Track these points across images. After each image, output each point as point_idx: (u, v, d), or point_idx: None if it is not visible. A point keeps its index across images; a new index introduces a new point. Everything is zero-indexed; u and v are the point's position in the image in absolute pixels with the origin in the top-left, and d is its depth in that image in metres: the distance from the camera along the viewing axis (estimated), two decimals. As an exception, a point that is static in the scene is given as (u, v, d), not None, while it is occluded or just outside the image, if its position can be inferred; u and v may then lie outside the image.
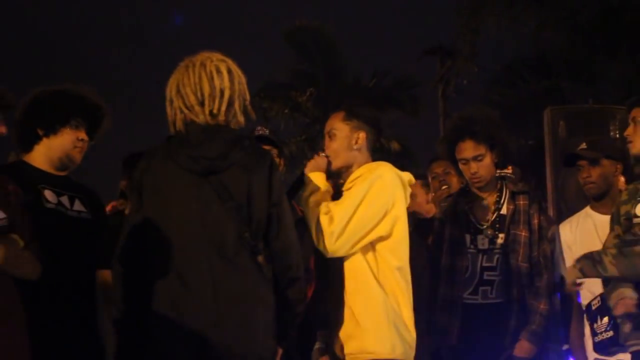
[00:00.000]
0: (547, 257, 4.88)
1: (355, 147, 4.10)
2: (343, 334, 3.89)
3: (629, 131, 4.35)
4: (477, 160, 4.90)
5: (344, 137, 4.10)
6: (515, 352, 4.78)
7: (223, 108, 3.66)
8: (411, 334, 3.96)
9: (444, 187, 5.52)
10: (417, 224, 5.74)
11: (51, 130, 4.04)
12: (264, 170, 3.59)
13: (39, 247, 3.72)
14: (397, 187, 4.00)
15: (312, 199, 3.93)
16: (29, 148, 4.09)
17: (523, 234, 4.87)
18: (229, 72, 3.71)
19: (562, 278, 4.87)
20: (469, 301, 4.85)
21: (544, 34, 16.75)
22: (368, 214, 3.87)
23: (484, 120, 4.99)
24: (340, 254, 3.87)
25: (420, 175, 5.77)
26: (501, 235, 4.89)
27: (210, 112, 3.65)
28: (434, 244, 5.04)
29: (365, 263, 3.89)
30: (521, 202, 4.93)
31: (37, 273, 3.70)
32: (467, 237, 4.92)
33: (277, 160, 4.83)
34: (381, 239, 3.94)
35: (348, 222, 3.82)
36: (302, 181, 4.04)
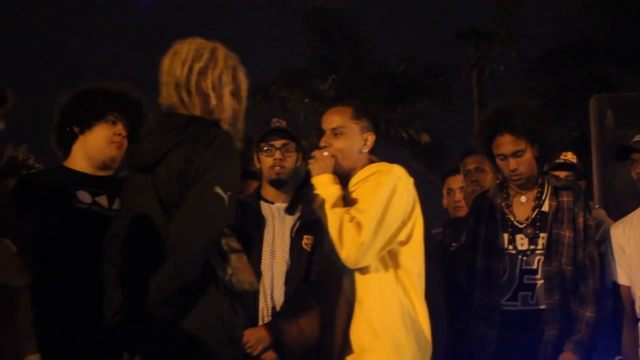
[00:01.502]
0: (594, 260, 4.85)
1: (364, 149, 4.07)
2: (357, 347, 3.84)
3: None
4: (516, 156, 4.88)
5: (353, 137, 4.06)
6: (559, 363, 4.77)
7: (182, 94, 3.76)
8: (428, 341, 3.94)
9: (474, 187, 5.49)
10: (447, 223, 5.73)
11: (86, 126, 4.16)
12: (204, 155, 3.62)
13: (31, 257, 3.78)
14: (413, 187, 3.99)
15: (330, 203, 3.89)
16: (68, 150, 4.22)
17: (567, 233, 4.84)
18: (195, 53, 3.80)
19: (614, 283, 4.85)
20: (507, 308, 4.83)
21: (588, 16, 16.69)
22: (394, 220, 3.85)
23: (524, 112, 4.96)
24: (364, 264, 3.85)
25: (455, 170, 5.76)
26: (542, 235, 4.86)
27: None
28: (468, 245, 5.02)
29: (383, 270, 3.87)
30: (565, 199, 4.90)
31: (25, 282, 3.74)
32: (505, 237, 4.90)
33: (294, 154, 4.84)
34: (401, 243, 3.92)
35: (377, 231, 3.80)
36: (307, 183, 4.00)
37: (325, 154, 4.01)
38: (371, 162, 4.08)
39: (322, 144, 4.04)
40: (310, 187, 4.01)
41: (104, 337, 3.70)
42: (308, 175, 4.02)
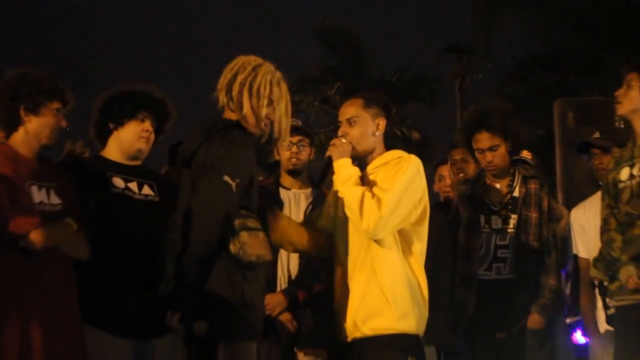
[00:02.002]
0: (556, 237, 4.87)
1: (377, 133, 3.95)
2: (369, 310, 3.77)
3: (620, 92, 4.22)
4: (492, 150, 4.89)
5: (366, 124, 3.94)
6: (527, 324, 4.78)
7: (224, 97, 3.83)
8: (427, 310, 3.88)
9: (460, 175, 5.49)
10: (437, 204, 5.73)
11: (119, 123, 4.13)
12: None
13: (90, 231, 3.79)
14: (424, 175, 3.91)
15: (352, 182, 3.81)
16: (104, 143, 4.20)
17: (534, 215, 4.85)
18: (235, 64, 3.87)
19: (575, 257, 4.86)
20: (483, 277, 4.84)
21: (553, 32, 16.63)
22: (410, 202, 3.77)
23: (499, 113, 4.96)
24: (381, 236, 3.76)
25: (445, 160, 5.78)
26: (513, 216, 4.88)
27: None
28: (452, 225, 5.02)
29: (395, 245, 3.79)
30: (532, 186, 4.91)
31: (87, 255, 3.76)
32: (482, 218, 4.91)
33: (308, 148, 4.86)
34: (411, 224, 3.83)
35: (395, 208, 3.71)
36: (329, 166, 3.94)
37: (344, 140, 3.92)
38: (388, 148, 3.99)
39: (339, 133, 3.96)
40: (332, 170, 3.93)
41: (156, 300, 3.73)
42: (329, 161, 3.93)
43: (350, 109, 3.98)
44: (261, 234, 3.72)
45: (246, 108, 3.82)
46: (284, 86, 3.91)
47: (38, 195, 3.74)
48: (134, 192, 4.08)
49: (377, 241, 3.78)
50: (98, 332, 3.82)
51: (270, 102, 3.85)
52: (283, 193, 4.84)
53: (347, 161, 3.87)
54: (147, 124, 4.15)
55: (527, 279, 4.79)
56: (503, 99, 14.40)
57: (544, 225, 4.85)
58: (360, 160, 3.94)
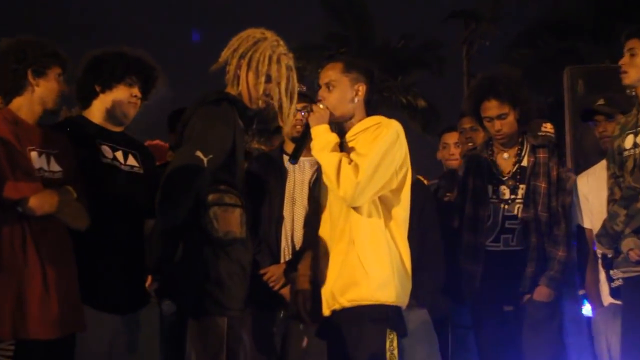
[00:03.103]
0: (566, 207, 4.85)
1: (355, 99, 3.87)
2: (347, 280, 3.72)
3: (625, 61, 4.19)
4: (501, 119, 4.85)
5: (344, 88, 3.86)
6: (534, 296, 4.76)
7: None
8: (409, 279, 3.82)
9: (469, 144, 5.46)
10: (442, 175, 5.71)
11: (107, 86, 4.08)
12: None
13: (89, 201, 3.77)
14: (406, 143, 3.84)
15: (329, 148, 3.76)
16: (87, 104, 4.13)
17: (543, 185, 4.83)
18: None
19: (578, 227, 4.83)
20: (491, 248, 4.82)
21: (563, -2, 16.54)
22: (390, 168, 3.72)
23: (507, 81, 4.92)
24: (359, 203, 3.71)
25: (450, 128, 5.75)
26: (522, 186, 4.85)
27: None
28: (458, 194, 5.01)
29: (375, 213, 3.74)
30: (541, 155, 4.88)
31: (86, 225, 3.75)
32: (490, 188, 4.88)
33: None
34: (392, 192, 3.78)
35: (373, 174, 3.67)
36: (307, 133, 3.88)
37: (321, 106, 3.85)
38: (369, 115, 3.90)
39: (317, 98, 3.90)
40: (309, 137, 3.88)
41: (139, 272, 3.83)
42: (307, 127, 3.88)
43: (329, 73, 3.91)
44: (237, 211, 3.70)
45: (242, 83, 3.82)
46: (285, 64, 3.87)
47: (38, 161, 3.72)
48: (121, 163, 4.05)
49: (356, 209, 3.73)
50: (85, 308, 3.80)
51: (269, 79, 3.82)
52: (287, 161, 4.81)
53: (325, 127, 3.82)
54: (136, 90, 4.12)
55: (535, 250, 4.78)
56: (511, 66, 14.35)
57: (553, 195, 4.82)
58: (340, 127, 3.89)
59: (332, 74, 3.90)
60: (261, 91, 3.82)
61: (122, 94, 4.08)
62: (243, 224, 3.72)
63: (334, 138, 3.79)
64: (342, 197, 3.71)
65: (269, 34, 3.89)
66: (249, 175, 4.27)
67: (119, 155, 4.05)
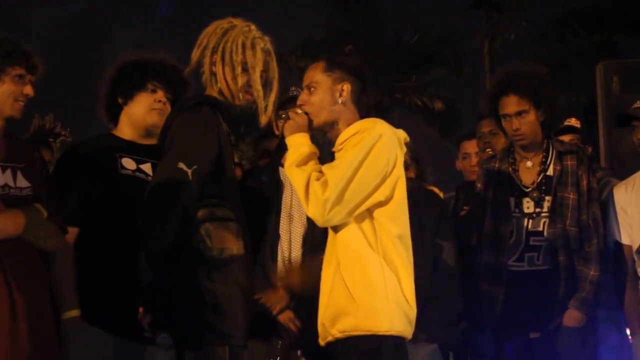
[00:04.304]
0: (598, 221, 4.83)
1: (339, 100, 3.82)
2: (336, 310, 3.68)
3: None
4: (519, 116, 4.85)
5: (326, 89, 3.82)
6: (564, 321, 4.76)
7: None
8: (412, 309, 3.74)
9: (487, 150, 5.46)
10: (460, 186, 5.71)
11: (128, 96, 4.22)
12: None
13: (63, 220, 3.79)
14: (396, 146, 3.76)
15: (299, 164, 3.72)
16: (116, 120, 4.28)
17: (571, 196, 4.82)
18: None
19: (616, 243, 4.83)
20: (514, 268, 4.82)
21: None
22: (368, 178, 3.64)
23: (529, 75, 4.94)
24: (334, 223, 3.67)
25: (471, 134, 5.73)
26: (548, 198, 4.84)
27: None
28: (477, 209, 5.00)
29: (360, 232, 3.68)
30: (569, 163, 4.88)
31: (60, 246, 3.76)
32: (512, 201, 4.88)
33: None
34: (380, 204, 3.70)
35: (345, 188, 3.59)
36: (283, 146, 3.85)
37: (299, 111, 3.83)
38: (362, 117, 3.86)
39: (298, 102, 3.88)
40: (283, 151, 3.86)
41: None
42: (282, 140, 3.85)
43: (309, 74, 3.89)
44: (231, 225, 3.70)
45: (220, 80, 3.85)
46: (261, 48, 3.89)
47: (2, 177, 3.73)
48: (147, 175, 4.12)
49: (337, 228, 3.71)
50: (104, 334, 3.91)
51: (246, 68, 3.85)
52: (283, 172, 4.81)
53: (299, 138, 3.79)
54: (160, 95, 4.21)
55: (564, 270, 4.77)
56: (538, 62, 14.36)
57: (583, 207, 4.82)
58: (327, 134, 3.88)
59: (312, 74, 3.87)
60: (240, 83, 3.84)
61: (145, 102, 4.21)
62: (239, 238, 3.72)
63: (306, 149, 3.76)
64: (312, 218, 3.68)
65: (237, 21, 3.92)
66: (240, 188, 4.28)
67: (146, 167, 4.16)
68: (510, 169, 4.94)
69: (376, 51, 21.96)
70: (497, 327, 4.87)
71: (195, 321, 3.64)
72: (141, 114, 4.22)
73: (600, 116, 7.49)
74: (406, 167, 4.13)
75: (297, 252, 4.68)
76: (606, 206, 4.90)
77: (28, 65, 3.85)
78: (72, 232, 4.05)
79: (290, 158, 3.75)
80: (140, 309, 3.82)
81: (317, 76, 3.85)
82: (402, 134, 3.83)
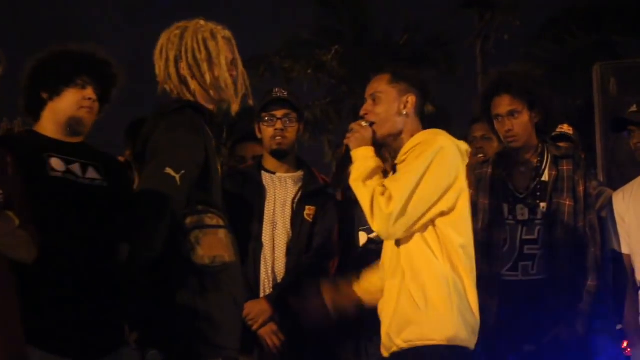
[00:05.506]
0: (595, 229, 4.84)
1: (404, 112, 3.98)
2: (402, 320, 3.80)
3: None
4: (512, 117, 4.86)
5: (391, 101, 3.98)
6: (560, 335, 4.75)
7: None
8: (475, 319, 3.88)
9: (480, 156, 5.46)
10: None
11: (55, 92, 4.08)
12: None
13: (37, 229, 3.74)
14: (458, 157, 3.91)
15: (365, 179, 3.83)
16: (37, 116, 4.14)
17: (567, 202, 4.82)
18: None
19: (615, 252, 4.83)
20: (508, 278, 4.82)
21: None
22: (430, 191, 3.78)
23: (523, 75, 4.95)
24: (398, 236, 3.80)
25: (463, 138, 5.74)
26: (543, 205, 4.84)
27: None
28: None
29: (424, 242, 3.81)
30: (565, 168, 4.88)
31: (33, 256, 3.72)
32: (505, 207, 4.88)
33: (296, 124, 4.84)
34: (442, 214, 3.83)
35: (408, 201, 3.72)
36: (349, 159, 3.95)
37: (363, 124, 3.96)
38: (424, 129, 4.01)
39: (361, 113, 4.01)
40: (349, 163, 3.96)
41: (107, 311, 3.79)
42: (348, 150, 3.97)
43: (374, 85, 4.04)
44: (221, 232, 3.72)
45: (192, 84, 3.85)
46: (222, 37, 3.91)
47: None
48: (77, 176, 4.04)
49: (401, 239, 3.82)
50: (38, 353, 3.76)
51: (211, 60, 3.85)
52: (266, 178, 4.84)
53: (365, 151, 3.92)
54: (89, 91, 4.11)
55: (560, 279, 4.77)
56: (533, 63, 14.42)
57: (580, 214, 4.82)
58: (390, 146, 4.01)
59: (377, 85, 4.03)
60: (209, 79, 3.84)
61: (73, 98, 4.08)
62: (230, 245, 3.74)
63: (372, 163, 3.88)
64: (377, 232, 3.82)
65: (185, 23, 3.92)
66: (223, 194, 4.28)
67: (76, 168, 4.05)
68: (503, 173, 4.94)
69: (363, 52, 21.99)
70: (491, 339, 4.86)
71: (187, 334, 3.63)
72: (68, 111, 4.07)
73: (597, 119, 7.50)
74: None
75: (280, 261, 4.69)
76: (600, 215, 4.92)
77: None
78: None
79: (356, 172, 3.86)
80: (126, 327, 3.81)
81: (382, 87, 4.01)
82: (463, 146, 3.98)
